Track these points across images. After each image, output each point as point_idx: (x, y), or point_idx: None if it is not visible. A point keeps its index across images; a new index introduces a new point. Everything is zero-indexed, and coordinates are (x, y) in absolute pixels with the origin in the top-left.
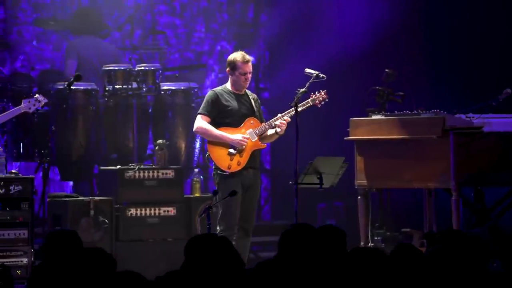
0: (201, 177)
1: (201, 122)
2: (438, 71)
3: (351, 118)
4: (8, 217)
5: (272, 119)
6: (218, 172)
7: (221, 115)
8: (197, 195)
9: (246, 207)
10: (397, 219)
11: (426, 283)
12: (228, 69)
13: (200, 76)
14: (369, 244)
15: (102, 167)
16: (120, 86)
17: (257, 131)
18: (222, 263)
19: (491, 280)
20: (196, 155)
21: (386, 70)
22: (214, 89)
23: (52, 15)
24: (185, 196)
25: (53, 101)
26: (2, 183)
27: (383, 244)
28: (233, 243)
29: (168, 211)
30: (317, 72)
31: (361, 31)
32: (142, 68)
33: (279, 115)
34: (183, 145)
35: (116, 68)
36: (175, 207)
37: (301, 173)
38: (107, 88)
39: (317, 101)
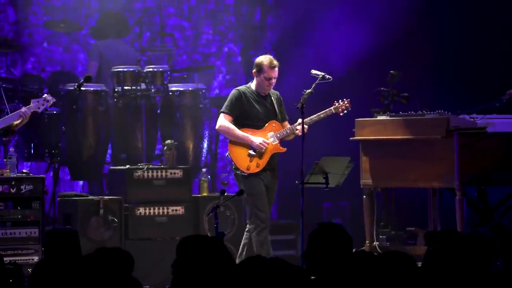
0: (209, 176)
1: (223, 121)
2: (442, 72)
3: (356, 119)
4: (20, 216)
5: (295, 124)
6: (238, 172)
7: (243, 116)
8: (204, 194)
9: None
10: (402, 218)
11: (425, 284)
12: (254, 70)
13: (207, 77)
14: (374, 243)
15: (111, 167)
16: (129, 87)
17: (278, 135)
18: (213, 263)
19: (493, 279)
20: (204, 155)
21: (391, 71)
22: (238, 88)
23: (63, 17)
24: (193, 195)
25: (63, 102)
26: (13, 183)
27: (388, 243)
28: (266, 237)
29: (176, 210)
30: (323, 73)
31: (366, 33)
32: (151, 69)
33: (299, 120)
34: (191, 145)
35: (125, 69)
36: (183, 206)
37: (307, 172)
38: (116, 89)
39: (339, 109)
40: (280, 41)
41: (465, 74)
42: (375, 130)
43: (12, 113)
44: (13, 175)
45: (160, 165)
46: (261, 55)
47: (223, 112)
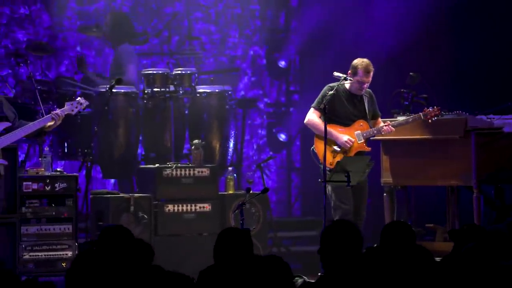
0: (235, 175)
1: (312, 116)
2: (460, 74)
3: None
4: (54, 213)
5: (382, 125)
6: (322, 167)
7: (332, 113)
8: (231, 192)
9: (357, 199)
10: (421, 215)
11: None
12: (350, 71)
13: (233, 79)
14: None
15: (141, 166)
16: (158, 89)
17: (364, 134)
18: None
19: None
20: (230, 155)
21: (410, 73)
22: (331, 84)
23: (95, 22)
24: (219, 193)
25: (96, 103)
26: (48, 181)
27: None
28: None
29: (203, 207)
30: (344, 75)
31: (386, 37)
32: (179, 72)
33: (388, 122)
34: (217, 145)
35: (155, 72)
36: (210, 203)
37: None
38: (146, 91)
39: (428, 116)
40: (304, 44)
41: (483, 76)
42: (395, 130)
43: (45, 116)
44: (47, 173)
45: (188, 164)
46: (285, 57)
47: (313, 107)
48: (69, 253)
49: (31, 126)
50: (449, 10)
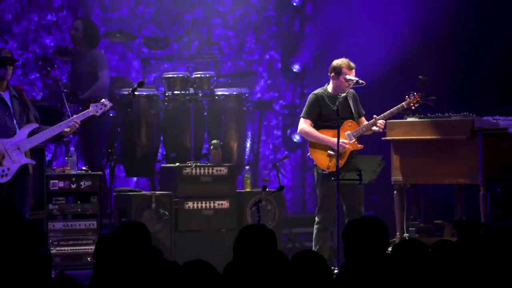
0: (251, 173)
1: (303, 125)
2: (467, 77)
3: (388, 120)
4: (79, 210)
5: (370, 121)
6: (319, 171)
7: (321, 118)
8: (247, 190)
9: (350, 198)
10: (429, 212)
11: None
12: (332, 74)
13: (250, 82)
14: (404, 235)
15: (162, 165)
16: (179, 92)
17: (354, 133)
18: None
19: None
20: (247, 154)
21: (420, 76)
22: (315, 92)
23: (119, 28)
24: (237, 191)
25: (119, 105)
26: (73, 179)
27: (417, 235)
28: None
29: (222, 204)
30: (357, 78)
31: (396, 42)
32: (199, 75)
33: (375, 116)
34: (235, 145)
35: (175, 75)
36: (228, 200)
37: (342, 170)
38: (167, 94)
39: (411, 103)
40: (318, 49)
41: (488, 79)
42: (405, 131)
43: (63, 122)
44: (73, 172)
45: (207, 163)
46: (299, 61)
47: (302, 117)
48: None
49: (51, 131)
50: (457, 15)
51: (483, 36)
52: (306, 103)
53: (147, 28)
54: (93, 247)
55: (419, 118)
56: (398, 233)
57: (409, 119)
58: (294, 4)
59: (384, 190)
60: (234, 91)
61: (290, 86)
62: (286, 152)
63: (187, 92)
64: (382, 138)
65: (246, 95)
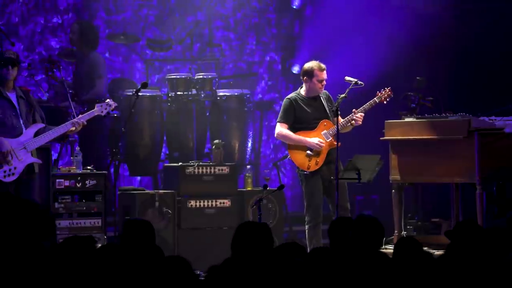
0: (253, 172)
1: (280, 129)
2: (464, 78)
3: (386, 121)
4: (85, 208)
5: (347, 117)
6: (300, 172)
7: (297, 121)
8: (249, 188)
9: (335, 194)
10: (427, 210)
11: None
12: (304, 77)
13: (251, 83)
14: (402, 233)
15: (165, 164)
16: (182, 93)
17: (330, 132)
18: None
19: (507, 269)
20: (248, 154)
21: (417, 77)
22: (289, 96)
23: (123, 30)
24: (238, 189)
25: (123, 106)
26: (79, 178)
27: (414, 233)
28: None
29: (223, 203)
30: (356, 80)
31: (394, 45)
32: (201, 76)
33: (354, 110)
34: (236, 145)
35: (178, 76)
36: (230, 199)
37: (341, 169)
38: (170, 95)
39: (382, 98)
40: (317, 51)
41: (485, 80)
42: (403, 131)
43: (68, 122)
44: (78, 171)
45: (209, 162)
46: (299, 63)
47: (278, 122)
48: (99, 246)
49: (56, 131)
50: (454, 18)
51: (479, 38)
52: (281, 108)
53: (151, 30)
54: (97, 245)
55: (417, 118)
56: (396, 231)
57: (407, 120)
58: (294, 7)
59: (382, 189)
60: (236, 92)
61: (290, 87)
62: (286, 152)
63: (190, 93)
64: (381, 138)
65: (247, 95)
